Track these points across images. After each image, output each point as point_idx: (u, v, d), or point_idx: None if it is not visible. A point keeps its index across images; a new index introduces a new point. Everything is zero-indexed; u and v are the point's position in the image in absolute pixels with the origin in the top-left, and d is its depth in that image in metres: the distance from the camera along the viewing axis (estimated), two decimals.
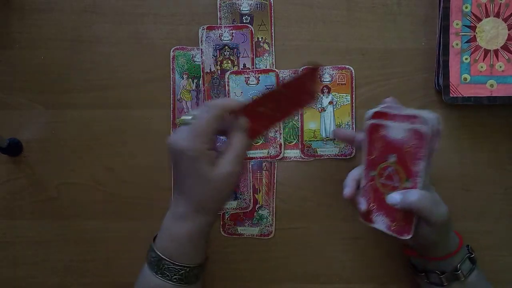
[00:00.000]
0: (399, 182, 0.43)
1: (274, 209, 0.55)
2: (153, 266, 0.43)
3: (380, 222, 0.45)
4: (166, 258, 0.43)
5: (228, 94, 0.55)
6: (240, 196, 0.55)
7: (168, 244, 0.43)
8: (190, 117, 0.42)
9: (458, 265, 0.45)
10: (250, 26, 0.55)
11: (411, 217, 0.43)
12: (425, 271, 0.48)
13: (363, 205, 0.46)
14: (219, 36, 0.55)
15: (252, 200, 0.55)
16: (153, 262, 0.43)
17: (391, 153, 0.43)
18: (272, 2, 0.55)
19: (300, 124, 0.55)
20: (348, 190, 0.46)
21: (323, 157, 0.55)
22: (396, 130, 0.42)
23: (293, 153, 0.55)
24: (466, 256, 0.46)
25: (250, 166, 0.55)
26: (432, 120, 0.40)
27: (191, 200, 0.42)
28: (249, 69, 0.55)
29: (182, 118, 0.43)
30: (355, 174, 0.48)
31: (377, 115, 0.44)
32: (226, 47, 0.55)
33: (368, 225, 0.47)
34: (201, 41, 0.55)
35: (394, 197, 0.43)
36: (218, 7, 0.55)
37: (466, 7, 0.52)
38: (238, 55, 0.55)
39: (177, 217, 0.43)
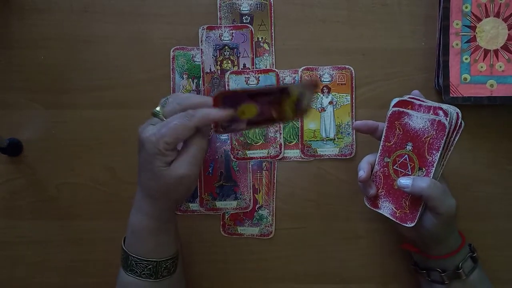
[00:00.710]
0: (411, 171, 0.44)
1: (274, 209, 0.55)
2: (123, 263, 0.44)
3: (386, 208, 0.47)
4: (132, 254, 0.43)
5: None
6: (240, 196, 0.55)
7: (132, 240, 0.44)
8: (158, 112, 0.41)
9: (460, 264, 0.45)
10: (250, 26, 0.55)
11: (418, 206, 0.44)
12: (426, 269, 0.48)
13: (373, 189, 0.47)
14: (219, 36, 0.55)
15: (252, 200, 0.55)
16: (123, 260, 0.44)
17: (409, 142, 0.44)
18: (272, 2, 0.55)
19: (300, 124, 0.55)
20: (363, 173, 0.47)
21: (323, 157, 0.55)
22: (418, 119, 0.44)
23: (293, 153, 0.55)
24: (468, 255, 0.46)
25: (250, 166, 0.55)
26: (452, 114, 0.42)
27: (146, 193, 0.42)
28: (249, 69, 0.55)
29: (155, 110, 0.42)
30: (370, 158, 0.48)
31: (401, 103, 0.46)
32: (226, 47, 0.55)
33: (373, 210, 0.47)
34: (201, 41, 0.55)
35: (405, 181, 0.43)
36: (218, 7, 0.55)
37: (466, 7, 0.52)
38: (238, 55, 0.55)
39: (137, 210, 0.43)
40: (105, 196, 0.55)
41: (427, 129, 0.43)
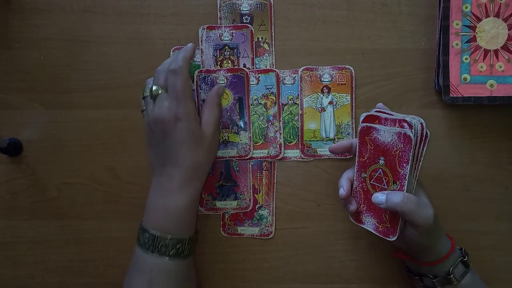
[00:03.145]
0: (387, 185, 0.44)
1: (274, 209, 0.55)
2: (148, 246, 0.44)
3: (369, 223, 0.47)
4: (163, 235, 0.44)
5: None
6: (240, 196, 0.55)
7: (163, 222, 0.45)
8: (158, 88, 0.44)
9: (451, 269, 0.45)
10: (250, 26, 0.55)
11: (397, 219, 0.44)
12: (419, 275, 0.48)
13: (353, 205, 0.48)
14: (219, 36, 0.55)
15: (252, 200, 0.55)
16: (148, 243, 0.44)
17: (380, 156, 0.44)
18: (272, 2, 0.55)
19: (300, 124, 0.55)
20: (342, 190, 0.47)
21: (323, 157, 0.55)
22: (386, 134, 0.44)
23: (293, 153, 0.55)
24: (459, 260, 0.46)
25: (250, 166, 0.55)
26: (416, 125, 0.41)
27: (186, 167, 0.44)
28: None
29: (152, 90, 0.46)
30: (349, 174, 0.49)
31: (369, 118, 0.46)
32: (226, 47, 0.55)
33: (358, 226, 0.48)
34: (201, 41, 0.55)
35: (379, 197, 0.43)
36: (218, 7, 0.55)
37: (466, 7, 0.52)
38: (238, 55, 0.55)
39: (172, 191, 0.45)
40: (105, 196, 0.55)
41: (395, 142, 0.43)
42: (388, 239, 0.44)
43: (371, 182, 0.46)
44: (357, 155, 0.47)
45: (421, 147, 0.43)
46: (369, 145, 0.45)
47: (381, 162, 0.44)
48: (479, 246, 0.54)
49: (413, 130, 0.41)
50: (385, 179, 0.44)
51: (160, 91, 0.45)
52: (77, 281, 0.56)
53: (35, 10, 0.55)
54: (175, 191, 0.44)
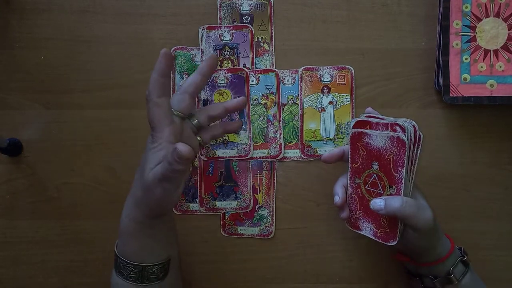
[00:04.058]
0: (383, 189, 0.44)
1: (274, 209, 0.55)
2: (114, 264, 0.44)
3: (367, 229, 0.47)
4: (120, 256, 0.43)
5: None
6: (240, 196, 0.55)
7: (119, 241, 0.44)
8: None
9: (451, 269, 0.45)
10: (250, 26, 0.55)
11: (396, 224, 0.44)
12: (419, 276, 0.48)
13: (345, 212, 0.47)
14: (219, 36, 0.55)
15: (252, 200, 0.55)
16: (115, 260, 0.44)
17: (374, 161, 0.44)
18: (272, 2, 0.55)
19: (300, 124, 0.55)
20: (338, 198, 0.47)
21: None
22: (378, 138, 0.43)
23: (293, 153, 0.55)
24: (459, 260, 0.46)
25: (250, 166, 0.55)
26: (409, 128, 0.41)
27: (131, 194, 0.42)
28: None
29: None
30: (343, 181, 0.48)
31: (359, 124, 0.45)
32: (226, 47, 0.55)
33: (356, 232, 0.48)
34: (201, 41, 0.55)
35: (378, 203, 0.43)
36: (218, 7, 0.55)
37: (466, 7, 0.52)
38: (238, 55, 0.55)
39: (124, 211, 0.43)
40: (105, 196, 0.55)
41: (388, 146, 0.43)
42: (388, 244, 0.44)
43: (366, 187, 0.46)
44: (349, 161, 0.47)
45: (415, 149, 0.42)
46: (361, 151, 0.45)
47: (375, 167, 0.44)
48: (479, 246, 0.54)
49: (406, 133, 0.41)
50: (380, 183, 0.44)
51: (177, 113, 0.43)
52: (77, 281, 0.56)
53: (35, 10, 0.55)
54: (124, 211, 0.43)
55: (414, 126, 0.42)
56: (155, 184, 0.39)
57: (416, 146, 0.42)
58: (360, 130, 0.45)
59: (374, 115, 0.45)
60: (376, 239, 0.45)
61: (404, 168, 0.42)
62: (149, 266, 0.43)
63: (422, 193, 0.46)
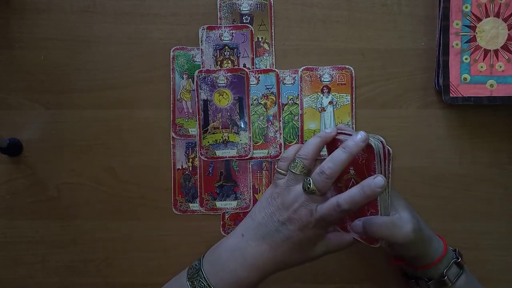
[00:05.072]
0: None
1: None
2: (190, 271, 0.44)
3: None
4: (204, 273, 0.43)
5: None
6: (240, 196, 0.55)
7: (215, 268, 0.43)
8: (313, 187, 0.42)
9: (444, 271, 0.45)
10: (250, 26, 0.55)
11: None
12: (414, 278, 0.48)
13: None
14: (219, 36, 0.55)
15: (252, 200, 0.55)
16: (193, 268, 0.44)
17: (350, 166, 0.44)
18: (272, 2, 0.55)
19: (300, 124, 0.55)
20: None
21: (323, 157, 0.55)
22: None
23: None
24: (452, 261, 0.46)
25: (250, 166, 0.55)
26: (376, 144, 0.41)
27: (272, 256, 0.43)
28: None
29: (306, 181, 0.42)
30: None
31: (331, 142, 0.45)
32: (226, 47, 0.55)
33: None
34: (201, 41, 0.55)
35: (358, 225, 0.43)
36: (218, 7, 0.55)
37: (466, 7, 0.52)
38: (238, 55, 0.55)
39: (245, 269, 0.43)
40: (105, 196, 0.55)
41: (359, 152, 0.42)
42: (372, 245, 0.44)
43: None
44: None
45: (386, 165, 0.42)
46: None
47: (352, 172, 0.44)
48: (479, 246, 0.54)
49: (374, 147, 0.41)
50: None
51: (315, 191, 0.42)
52: (77, 281, 0.56)
53: (35, 10, 0.55)
54: (247, 270, 0.43)
55: (382, 142, 0.41)
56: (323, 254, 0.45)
57: (387, 161, 0.42)
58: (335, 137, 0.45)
59: (345, 131, 0.45)
60: (362, 241, 0.45)
61: (377, 172, 0.41)
62: None
63: (405, 202, 0.45)
